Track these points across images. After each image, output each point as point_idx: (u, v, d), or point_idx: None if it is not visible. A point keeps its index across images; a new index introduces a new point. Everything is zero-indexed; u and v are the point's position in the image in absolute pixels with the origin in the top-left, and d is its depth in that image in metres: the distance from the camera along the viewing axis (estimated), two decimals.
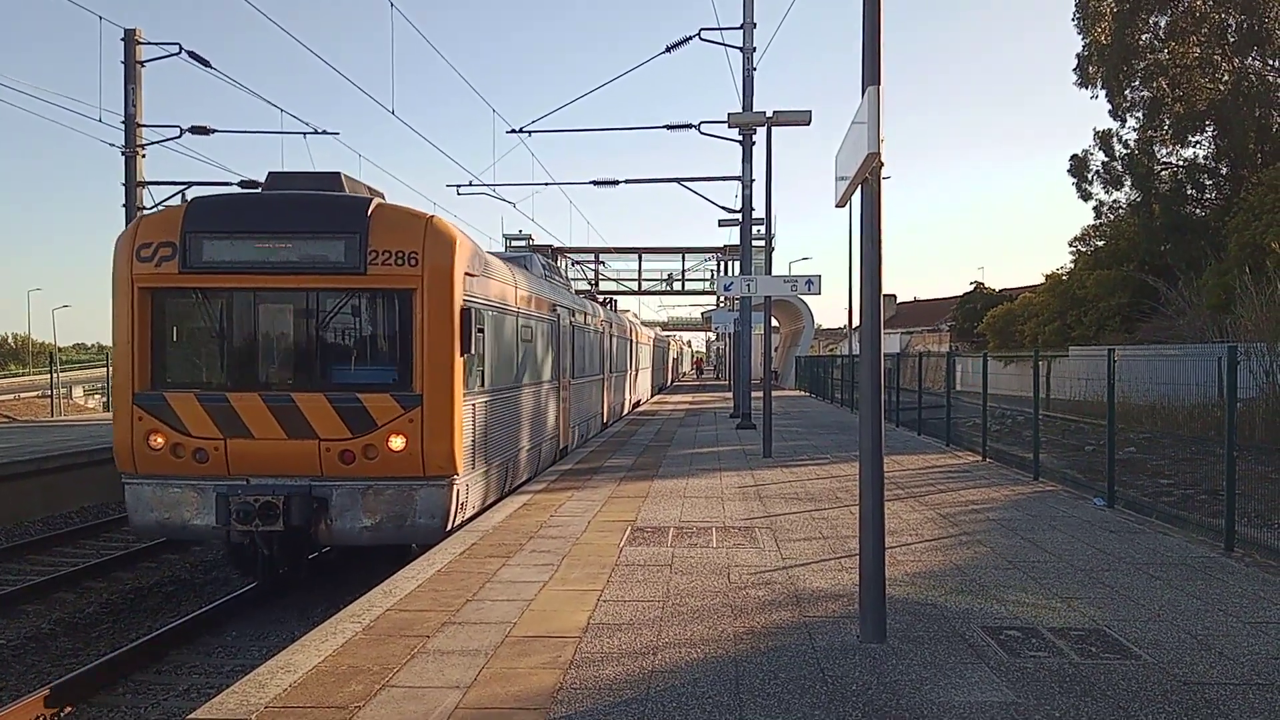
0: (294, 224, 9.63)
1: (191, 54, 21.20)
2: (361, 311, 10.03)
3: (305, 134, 23.28)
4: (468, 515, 10.43)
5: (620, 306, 35.58)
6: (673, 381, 67.25)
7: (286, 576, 10.49)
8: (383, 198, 10.75)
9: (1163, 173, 36.75)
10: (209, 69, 20.88)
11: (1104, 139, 37.81)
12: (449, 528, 9.77)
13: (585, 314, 20.00)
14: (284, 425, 9.51)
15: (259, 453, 9.54)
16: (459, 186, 29.36)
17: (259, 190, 11.21)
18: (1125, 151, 37.38)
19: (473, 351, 10.00)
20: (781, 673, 5.51)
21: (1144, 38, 36.18)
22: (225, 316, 9.89)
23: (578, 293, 28.36)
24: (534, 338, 14.12)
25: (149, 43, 22.36)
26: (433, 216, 9.83)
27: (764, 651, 5.89)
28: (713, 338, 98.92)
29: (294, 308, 9.90)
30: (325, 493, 9.53)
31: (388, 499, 9.56)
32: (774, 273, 32.11)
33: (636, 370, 34.22)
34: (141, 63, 22.25)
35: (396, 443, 9.45)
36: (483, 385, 10.87)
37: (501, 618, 6.66)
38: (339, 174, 10.54)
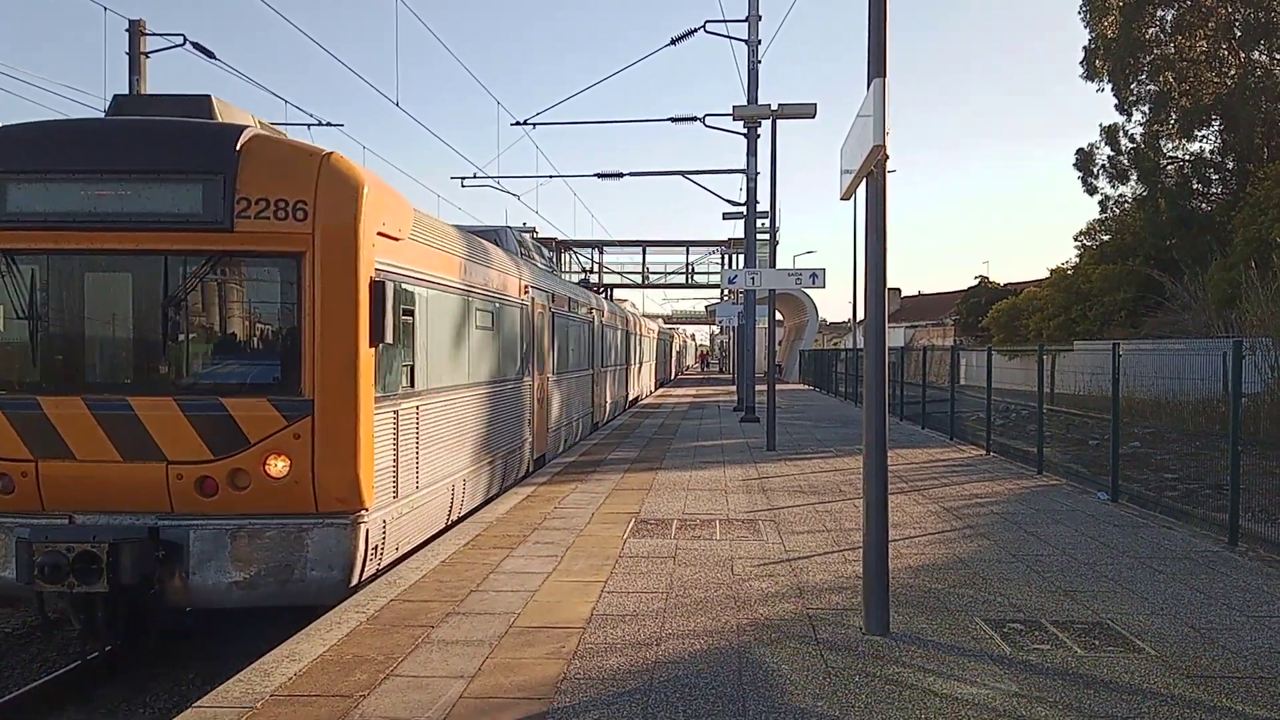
0: (134, 161, 7.01)
1: (196, 45, 21.21)
2: (228, 283, 7.36)
3: (309, 126, 23.27)
4: (388, 561, 7.90)
5: (623, 299, 35.52)
6: (676, 375, 67.30)
7: (132, 648, 7.55)
8: (274, 133, 8.09)
9: (1169, 167, 36.60)
10: (213, 60, 20.88)
11: (1110, 133, 37.66)
12: (356, 580, 7.26)
13: (572, 300, 17.83)
14: (118, 442, 6.92)
15: (84, 480, 6.94)
16: (463, 179, 29.32)
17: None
18: (1131, 146, 37.22)
19: (391, 340, 7.49)
20: (785, 664, 5.52)
21: (1151, 31, 36.01)
22: (37, 290, 7.15)
23: (576, 282, 27.39)
24: (497, 325, 11.68)
25: (154, 34, 22.37)
26: (331, 153, 7.23)
27: (767, 643, 5.91)
28: (717, 331, 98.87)
29: (134, 278, 7.24)
30: (178, 536, 6.92)
31: (267, 544, 6.98)
32: (778, 266, 32.12)
33: (640, 364, 34.14)
34: (146, 54, 22.26)
35: (277, 466, 6.95)
36: (411, 385, 8.38)
37: (505, 608, 6.68)
38: (208, 97, 7.91)
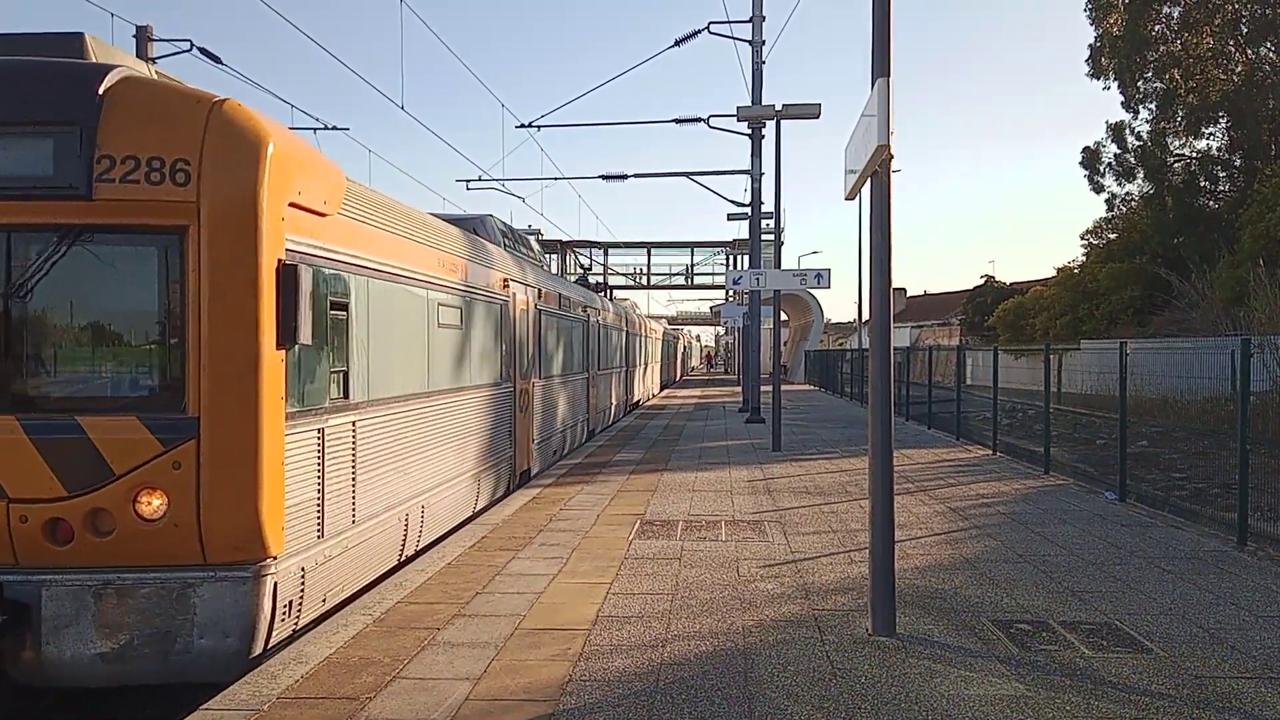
0: None
1: (203, 50, 21.27)
2: (88, 267, 5.75)
3: (315, 129, 23.32)
4: (313, 616, 6.46)
5: (624, 298, 35.37)
6: (681, 376, 67.27)
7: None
8: (161, 78, 6.40)
9: (1176, 164, 36.50)
10: (220, 65, 20.94)
11: (1116, 131, 37.57)
12: (262, 648, 5.79)
13: (564, 298, 16.44)
14: None
15: None
16: (468, 181, 29.37)
17: None
18: (1138, 143, 37.13)
19: (309, 340, 6.03)
20: (791, 665, 5.51)
21: (1156, 29, 35.91)
22: None
23: (575, 281, 26.13)
24: (468, 323, 10.22)
25: (161, 39, 22.44)
26: (224, 100, 5.73)
27: (773, 644, 5.89)
28: (722, 332, 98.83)
29: None
30: (26, 595, 5.49)
31: (142, 605, 5.54)
32: (783, 266, 32.08)
33: (644, 365, 34.11)
34: (153, 59, 22.32)
35: (151, 504, 5.50)
36: (344, 396, 6.91)
37: (511, 610, 6.68)
38: (81, 35, 6.27)
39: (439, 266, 9.25)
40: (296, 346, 5.99)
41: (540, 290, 14.13)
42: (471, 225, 12.46)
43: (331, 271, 6.71)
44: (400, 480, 8.06)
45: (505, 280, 11.89)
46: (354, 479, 7.03)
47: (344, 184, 6.94)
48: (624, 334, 26.63)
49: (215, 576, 5.58)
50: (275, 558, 5.77)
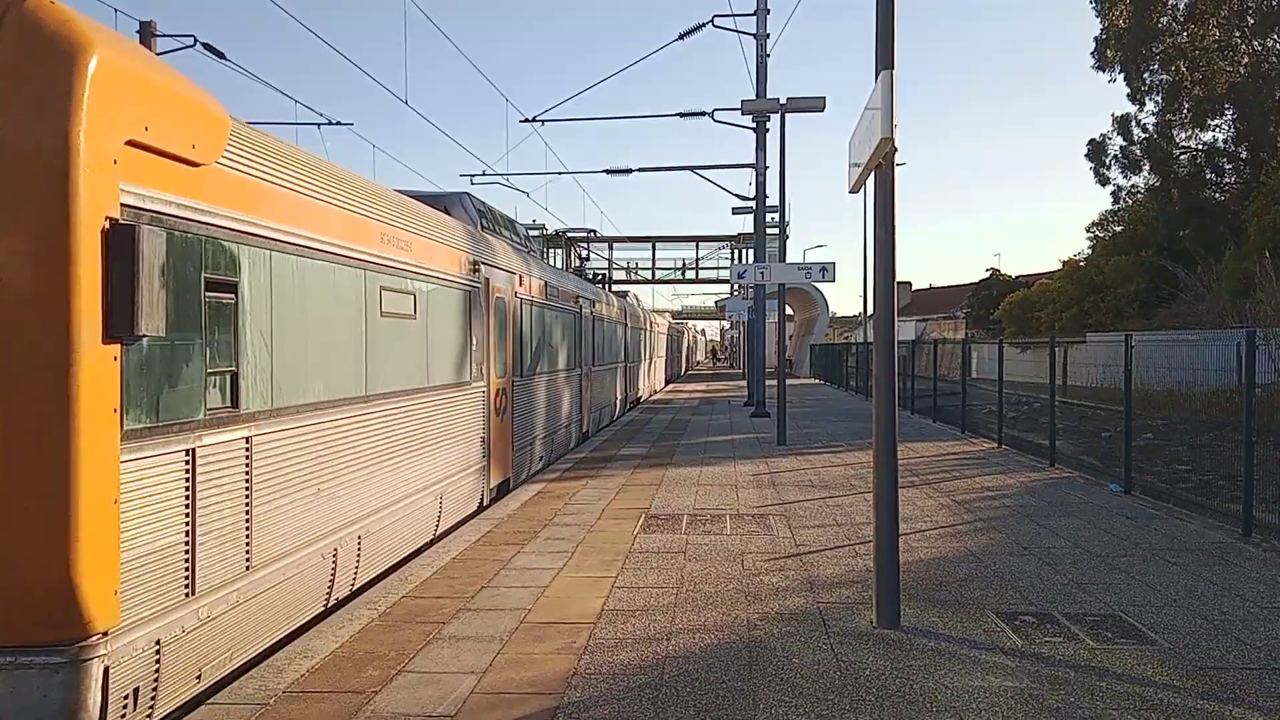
0: None
1: (206, 46, 21.28)
2: None
3: (319, 125, 23.37)
4: (185, 699, 4.92)
5: (624, 290, 34.98)
6: (686, 371, 67.27)
7: None
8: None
9: (1182, 157, 36.40)
10: (223, 61, 20.96)
11: (1122, 123, 37.46)
12: None
13: (552, 287, 14.64)
14: None
15: None
16: (472, 176, 29.41)
17: None
18: (1144, 136, 37.02)
19: (163, 331, 4.59)
20: (795, 658, 5.52)
21: (1162, 20, 35.78)
22: None
23: (572, 272, 25.25)
24: (425, 313, 8.60)
25: (165, 35, 22.45)
26: None
27: (778, 637, 5.91)
28: (726, 326, 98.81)
29: None
30: None
31: None
32: (788, 260, 32.03)
33: (649, 359, 34.06)
34: (157, 55, 22.35)
35: None
36: (232, 405, 5.35)
37: (516, 604, 6.70)
38: None
39: (382, 243, 7.49)
40: (141, 340, 4.44)
41: (521, 277, 12.41)
42: (442, 203, 11.03)
43: (207, 239, 5.08)
44: (325, 507, 6.43)
45: (476, 264, 10.15)
46: (248, 512, 5.44)
47: (227, 125, 5.26)
48: (624, 328, 25.17)
49: (12, 664, 3.97)
50: (106, 633, 4.15)
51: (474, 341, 10.16)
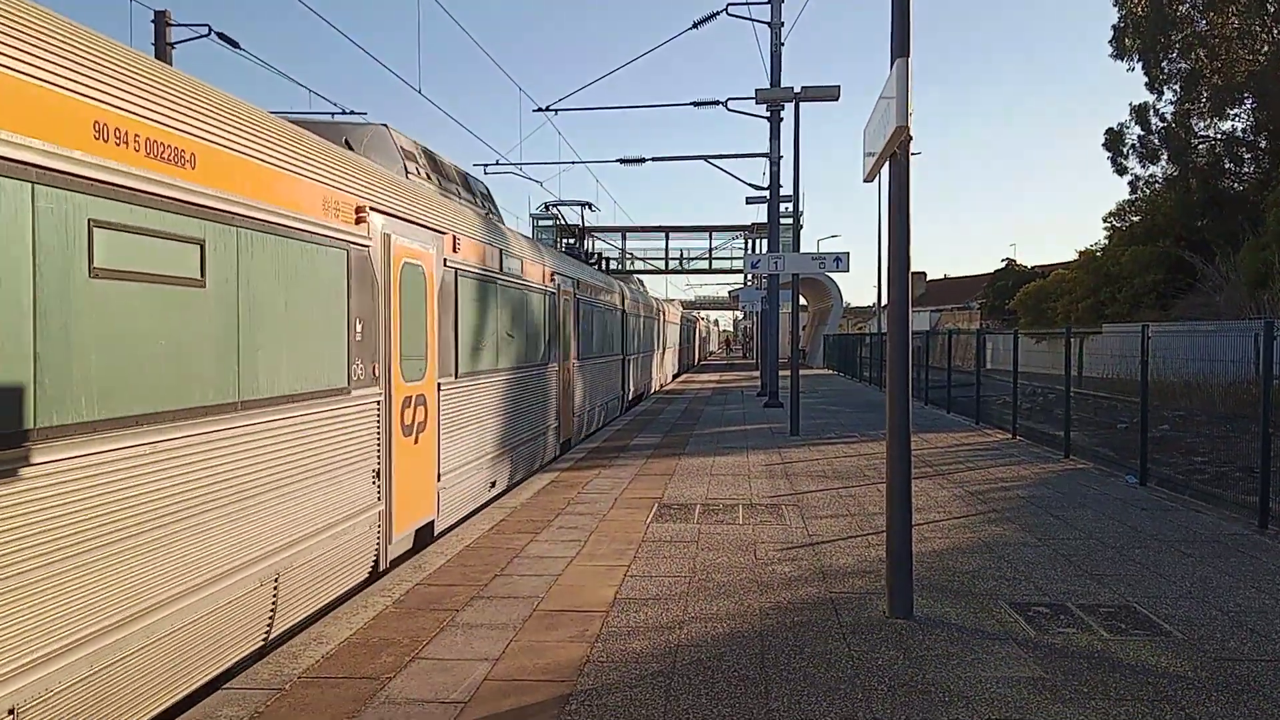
0: None
1: (221, 35, 21.35)
2: None
3: (333, 114, 23.37)
4: None
5: (635, 277, 34.35)
6: (699, 361, 67.25)
7: None
8: None
9: (1200, 146, 36.13)
10: (238, 50, 21.01)
11: (1140, 113, 37.21)
12: None
13: (505, 255, 11.26)
14: None
15: None
16: (485, 165, 29.31)
17: None
18: (1162, 125, 36.77)
19: None
20: (807, 648, 5.52)
21: (1181, 8, 35.47)
22: None
23: (586, 261, 22.88)
24: (234, 277, 5.49)
25: (179, 24, 22.53)
26: None
27: (790, 627, 5.91)
28: (740, 316, 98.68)
29: None
30: None
31: None
32: (802, 250, 31.94)
33: (662, 349, 34.00)
34: (172, 44, 22.43)
35: None
36: None
37: (529, 592, 6.72)
38: None
39: (102, 141, 4.40)
40: None
41: (455, 239, 9.23)
42: (342, 135, 8.42)
43: None
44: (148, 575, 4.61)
45: (361, 210, 7.00)
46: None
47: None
48: (627, 315, 22.70)
49: None
50: None
51: (355, 328, 7.00)
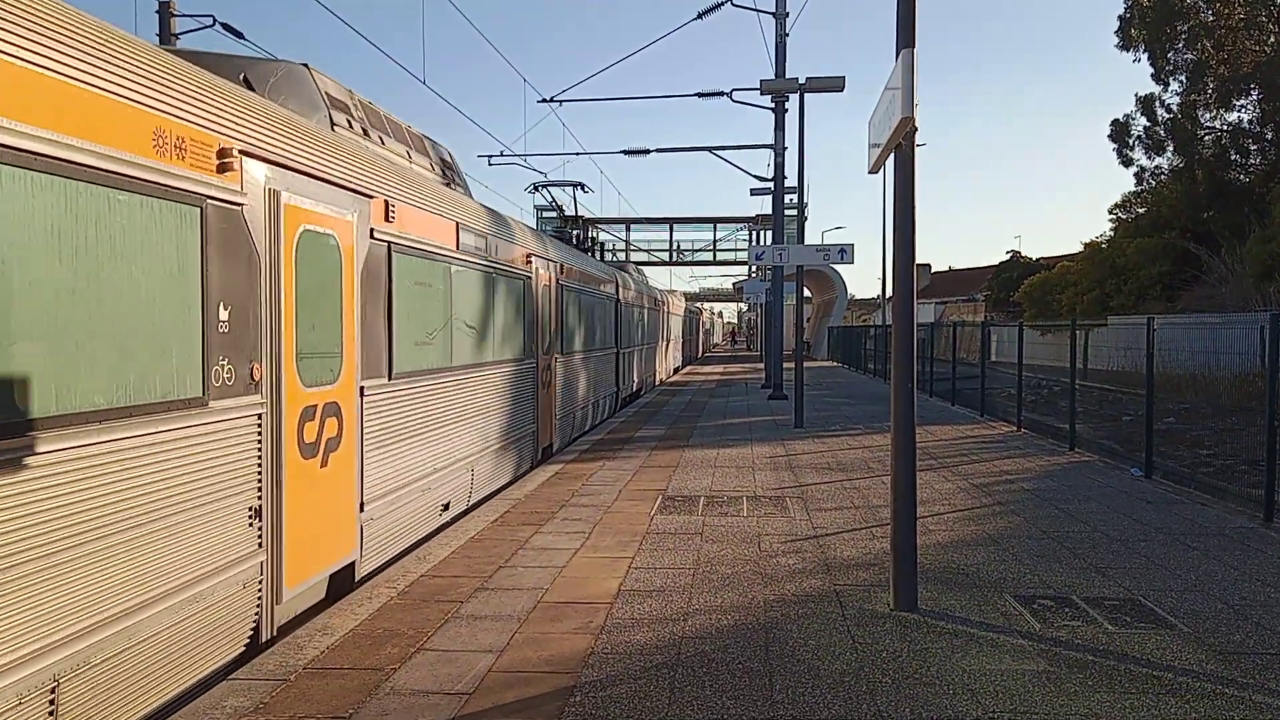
0: None
1: (225, 26, 21.34)
2: None
3: None
4: None
5: (651, 276, 34.11)
6: (704, 353, 67.23)
7: None
8: None
9: (1206, 137, 36.00)
10: (242, 40, 20.99)
11: (1146, 103, 37.07)
12: None
13: (463, 230, 9.42)
14: None
15: None
16: (490, 157, 29.31)
17: None
18: (1168, 116, 36.64)
19: None
20: (812, 640, 5.52)
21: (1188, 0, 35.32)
22: None
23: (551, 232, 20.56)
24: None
25: (183, 15, 22.53)
26: None
27: (794, 619, 5.91)
28: (744, 308, 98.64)
29: None
30: None
31: None
32: (806, 242, 31.86)
33: (666, 341, 33.98)
34: (176, 35, 22.42)
35: None
36: None
37: (534, 584, 6.73)
38: None
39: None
40: None
41: (389, 206, 7.45)
42: (238, 71, 6.73)
43: None
44: None
45: (227, 154, 5.22)
46: None
47: None
48: (622, 305, 21.12)
49: None
50: None
51: (217, 316, 5.17)
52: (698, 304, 72.87)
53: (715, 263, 60.85)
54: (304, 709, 4.59)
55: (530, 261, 12.15)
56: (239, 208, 5.35)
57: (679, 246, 58.27)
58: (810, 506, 9.52)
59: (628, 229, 56.70)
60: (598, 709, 4.57)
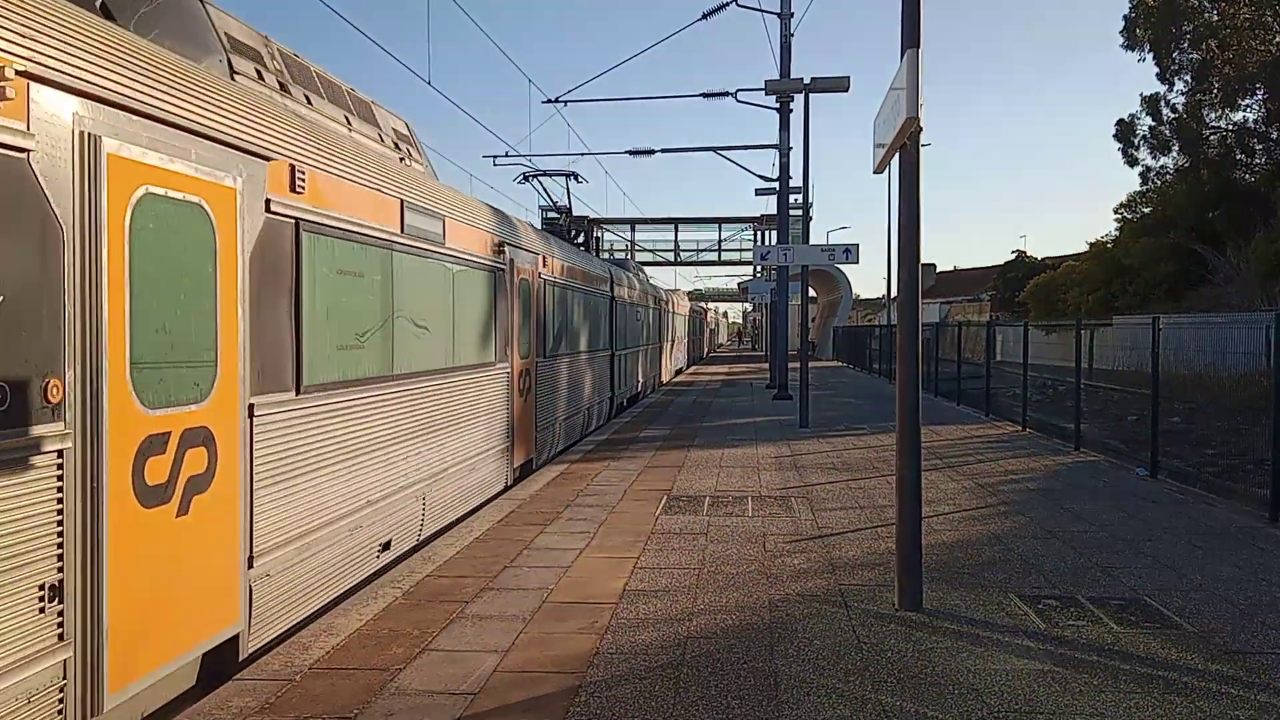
0: None
1: None
2: None
3: None
4: None
5: (656, 276, 33.75)
6: (709, 353, 67.21)
7: None
8: None
9: (1211, 137, 35.90)
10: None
11: (1151, 103, 36.97)
12: None
13: (408, 208, 7.81)
14: None
15: None
16: (495, 157, 29.31)
17: None
18: (1173, 116, 36.53)
19: None
20: (816, 639, 5.53)
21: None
22: None
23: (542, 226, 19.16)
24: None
25: None
26: None
27: (799, 618, 5.91)
28: (750, 308, 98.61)
29: None
30: None
31: None
32: (811, 242, 31.84)
33: (671, 341, 33.94)
34: None
35: None
36: None
37: (539, 584, 6.74)
38: None
39: None
40: None
41: (294, 172, 5.96)
42: (134, 6, 5.48)
43: None
44: None
45: (26, 79, 3.83)
46: None
47: None
48: (618, 304, 19.58)
49: None
50: None
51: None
52: (702, 304, 72.87)
53: (720, 263, 60.86)
54: (310, 709, 4.60)
55: (503, 251, 10.56)
56: (22, 155, 3.80)
57: (687, 246, 58.29)
58: (815, 506, 9.52)
59: (633, 229, 56.75)
60: (603, 709, 4.57)
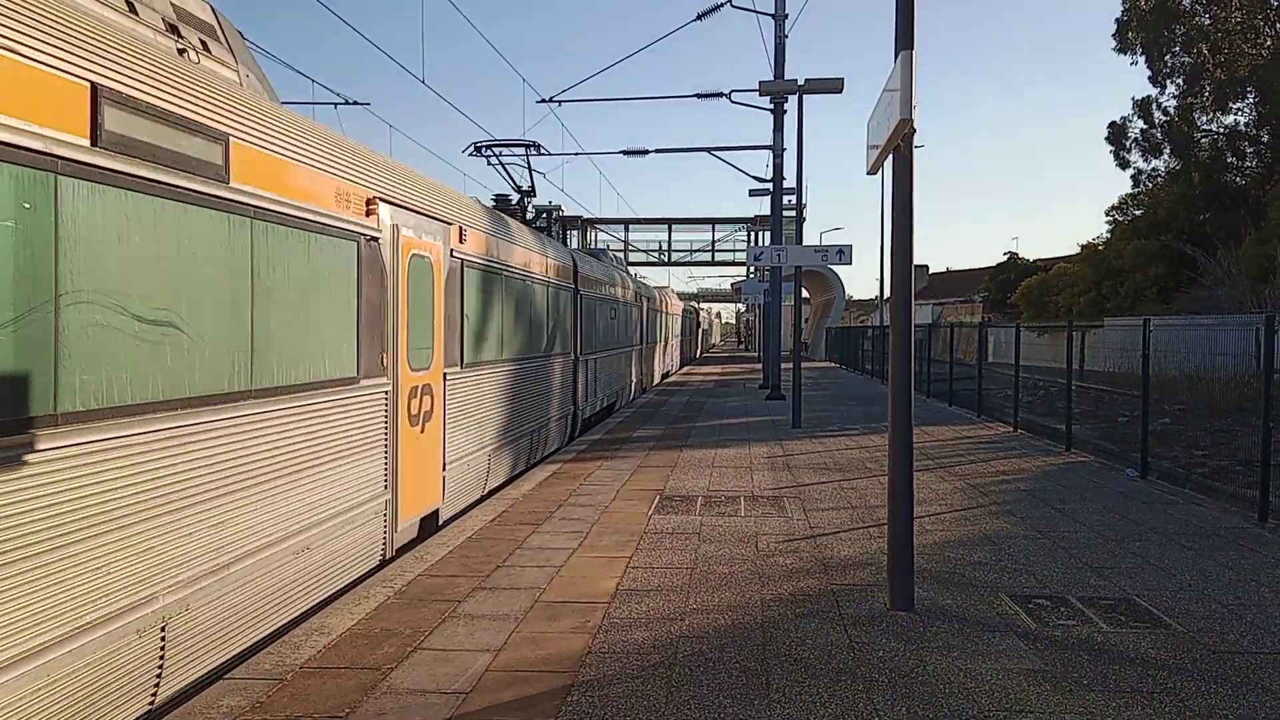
0: None
1: None
2: None
3: (336, 104, 23.31)
4: None
5: (648, 277, 33.75)
6: (702, 353, 67.22)
7: None
8: None
9: (1203, 140, 36.08)
10: (242, 39, 20.96)
11: (1143, 106, 37.14)
12: None
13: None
14: None
15: None
16: (489, 157, 29.31)
17: None
18: (1165, 119, 36.70)
19: None
20: (808, 639, 5.54)
21: (1185, 2, 35.38)
22: None
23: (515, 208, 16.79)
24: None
25: None
26: None
27: (791, 618, 5.92)
28: (743, 309, 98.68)
29: None
30: None
31: None
32: (805, 243, 31.87)
33: (665, 342, 33.97)
34: None
35: None
36: None
37: (531, 583, 6.74)
38: None
39: None
40: None
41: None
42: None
43: None
44: None
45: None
46: None
47: None
48: (584, 299, 16.77)
49: None
50: None
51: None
52: (695, 304, 72.94)
53: (714, 263, 60.95)
54: (300, 708, 4.60)
55: (375, 212, 7.18)
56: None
57: (677, 247, 58.33)
58: (807, 506, 9.54)
59: (626, 229, 56.82)
60: (595, 708, 4.58)
